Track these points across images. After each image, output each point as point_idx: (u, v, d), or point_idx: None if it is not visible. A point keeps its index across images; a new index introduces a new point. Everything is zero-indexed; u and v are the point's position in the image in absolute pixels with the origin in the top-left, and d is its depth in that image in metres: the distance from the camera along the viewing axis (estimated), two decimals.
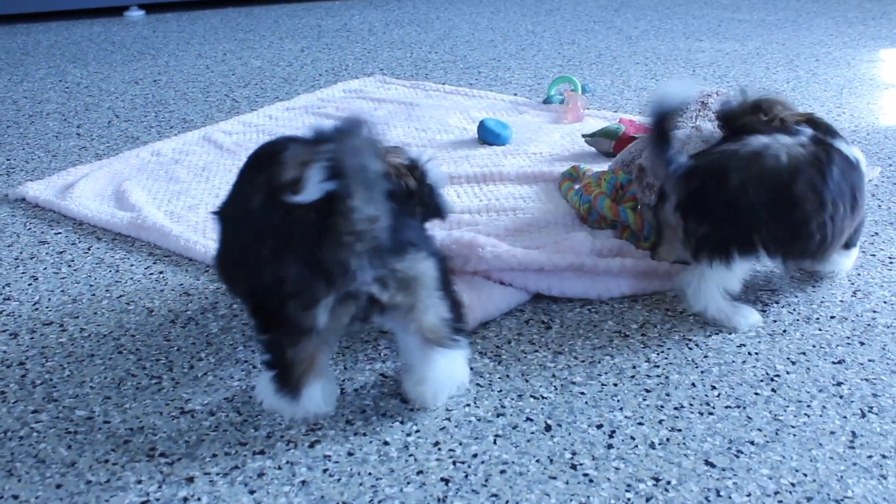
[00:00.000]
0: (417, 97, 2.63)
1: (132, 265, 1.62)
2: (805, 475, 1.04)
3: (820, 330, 1.35)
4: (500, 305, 1.40)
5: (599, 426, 1.13)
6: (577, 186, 1.76)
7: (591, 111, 2.41)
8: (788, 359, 1.28)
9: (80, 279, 1.57)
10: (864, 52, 3.11)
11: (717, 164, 1.33)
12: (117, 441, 1.13)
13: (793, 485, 1.02)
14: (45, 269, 1.62)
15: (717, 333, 1.34)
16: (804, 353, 1.29)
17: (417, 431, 1.13)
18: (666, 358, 1.28)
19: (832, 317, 1.39)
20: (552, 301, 1.44)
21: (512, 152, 2.10)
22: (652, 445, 1.09)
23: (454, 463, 1.07)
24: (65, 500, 1.03)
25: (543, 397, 1.20)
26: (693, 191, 1.32)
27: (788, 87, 2.67)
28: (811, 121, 1.41)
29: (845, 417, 1.14)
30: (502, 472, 1.06)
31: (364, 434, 1.13)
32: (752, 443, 1.10)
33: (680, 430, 1.12)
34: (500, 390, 1.21)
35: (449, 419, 1.15)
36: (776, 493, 1.01)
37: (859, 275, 1.51)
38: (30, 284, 1.56)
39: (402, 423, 1.15)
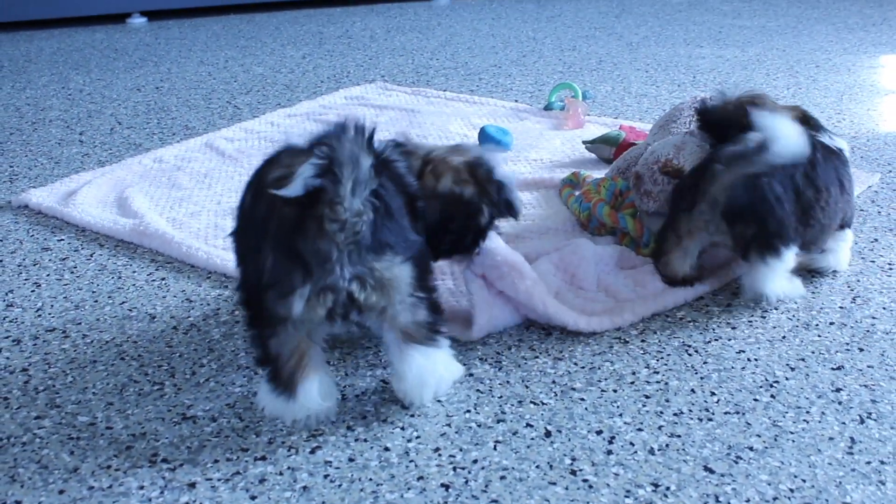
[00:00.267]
0: (419, 104, 2.63)
1: (134, 272, 1.62)
2: (804, 481, 1.04)
3: (819, 336, 1.36)
4: (507, 320, 1.39)
5: (599, 432, 1.14)
6: (577, 193, 1.77)
7: (591, 118, 2.42)
8: (788, 365, 1.28)
9: (82, 286, 1.58)
10: (865, 58, 3.12)
11: (750, 167, 1.36)
12: (119, 447, 1.14)
13: (791, 490, 1.03)
14: (47, 275, 1.62)
15: (717, 340, 1.35)
16: (803, 359, 1.29)
17: (418, 437, 1.14)
18: (665, 364, 1.29)
19: (831, 323, 1.39)
20: None
21: (512, 159, 2.11)
22: (651, 451, 1.10)
23: (454, 469, 1.08)
24: None
25: (543, 403, 1.20)
26: (737, 196, 1.36)
27: (789, 93, 2.67)
28: (802, 116, 1.49)
29: (844, 423, 1.15)
30: (502, 477, 1.06)
31: (365, 440, 1.14)
32: (751, 448, 1.10)
33: (679, 436, 1.13)
34: (501, 396, 1.22)
35: (449, 425, 1.16)
36: (775, 498, 1.01)
37: (858, 281, 1.51)
38: (33, 291, 1.57)
39: (402, 429, 1.15)
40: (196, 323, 1.44)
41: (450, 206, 1.28)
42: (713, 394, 1.21)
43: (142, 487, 1.06)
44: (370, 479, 1.06)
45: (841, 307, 1.44)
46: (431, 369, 1.17)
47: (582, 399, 1.21)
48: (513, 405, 1.20)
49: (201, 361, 1.32)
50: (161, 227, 1.73)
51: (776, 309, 1.43)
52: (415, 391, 1.18)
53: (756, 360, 1.29)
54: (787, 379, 1.25)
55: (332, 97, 2.74)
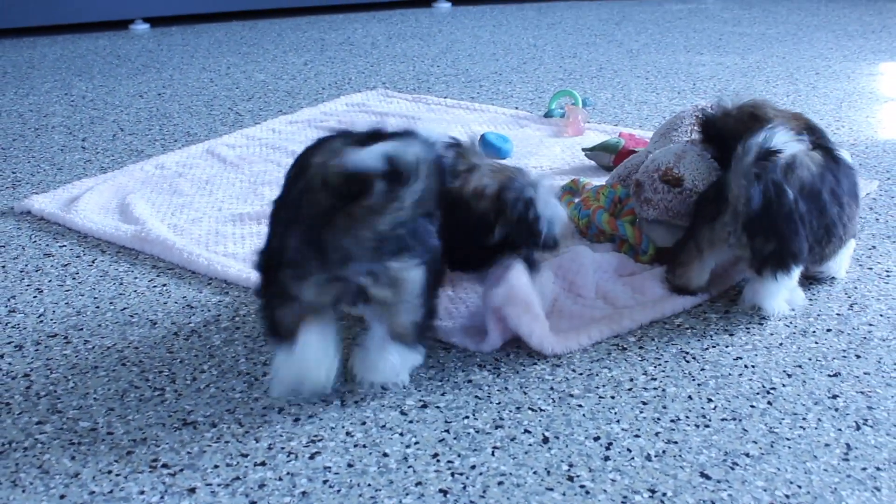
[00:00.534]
0: (419, 111, 2.65)
1: (136, 278, 1.63)
2: (800, 487, 1.05)
3: (816, 343, 1.36)
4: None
5: (596, 438, 1.15)
6: (576, 200, 1.78)
7: (591, 125, 2.43)
8: (784, 371, 1.29)
9: (84, 291, 1.59)
10: (864, 65, 3.13)
11: (773, 181, 1.34)
12: (120, 452, 1.14)
13: (787, 497, 1.03)
14: (49, 281, 1.63)
15: (714, 346, 1.35)
16: (800, 366, 1.30)
17: (416, 443, 1.14)
18: (663, 371, 1.29)
19: (828, 330, 1.40)
20: None
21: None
22: (648, 457, 1.11)
23: (452, 474, 1.08)
24: None
25: (541, 409, 1.21)
26: (760, 210, 1.33)
27: (788, 100, 2.68)
28: (806, 125, 1.48)
29: (840, 430, 1.15)
30: (500, 483, 1.07)
31: (364, 446, 1.14)
32: (747, 455, 1.11)
33: (676, 443, 1.13)
34: (499, 402, 1.23)
35: (448, 431, 1.17)
36: None
37: (856, 288, 1.52)
38: (34, 297, 1.58)
39: (401, 434, 1.16)
40: (197, 329, 1.44)
41: (460, 212, 1.29)
42: (710, 400, 1.22)
43: (142, 492, 1.07)
44: (369, 485, 1.07)
45: (838, 314, 1.44)
46: (400, 370, 1.24)
47: (580, 405, 1.22)
48: (511, 411, 1.21)
49: (202, 367, 1.33)
50: (162, 234, 1.74)
51: (773, 316, 1.43)
52: (374, 380, 1.24)
53: (753, 366, 1.30)
54: (783, 385, 1.25)
55: (334, 104, 2.75)
